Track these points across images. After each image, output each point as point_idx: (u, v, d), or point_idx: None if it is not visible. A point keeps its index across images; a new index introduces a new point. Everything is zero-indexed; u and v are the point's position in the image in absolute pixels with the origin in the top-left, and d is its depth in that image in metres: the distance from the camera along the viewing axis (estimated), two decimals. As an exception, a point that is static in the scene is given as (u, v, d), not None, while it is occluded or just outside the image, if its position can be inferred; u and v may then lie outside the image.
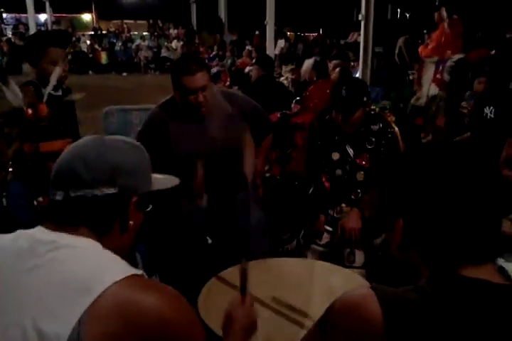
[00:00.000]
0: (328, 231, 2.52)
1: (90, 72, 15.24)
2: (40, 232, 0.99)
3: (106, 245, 0.99)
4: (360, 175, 2.50)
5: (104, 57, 15.85)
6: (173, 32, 18.69)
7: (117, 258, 0.97)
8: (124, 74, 15.04)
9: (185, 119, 2.37)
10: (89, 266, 0.92)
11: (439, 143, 1.54)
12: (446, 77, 3.58)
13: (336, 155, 2.53)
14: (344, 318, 0.83)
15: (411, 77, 5.49)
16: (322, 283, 1.95)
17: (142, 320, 0.88)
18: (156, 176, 1.12)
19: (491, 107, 2.83)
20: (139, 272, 0.95)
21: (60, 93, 2.55)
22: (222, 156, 2.39)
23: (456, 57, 3.74)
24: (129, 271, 0.93)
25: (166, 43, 17.47)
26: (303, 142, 3.76)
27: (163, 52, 16.33)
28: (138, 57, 16.46)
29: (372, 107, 2.59)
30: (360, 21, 6.80)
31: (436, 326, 0.78)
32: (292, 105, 4.47)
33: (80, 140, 1.05)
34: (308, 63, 4.79)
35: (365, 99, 2.36)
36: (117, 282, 0.89)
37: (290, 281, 1.96)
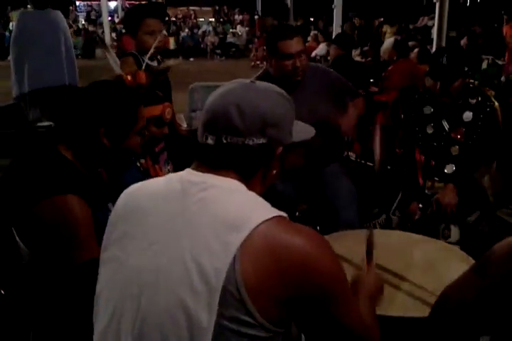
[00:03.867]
0: (419, 208, 2.47)
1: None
2: (190, 174, 1.02)
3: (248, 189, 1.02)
4: (454, 149, 2.44)
5: (171, 42, 16.15)
6: (238, 18, 18.78)
7: (262, 199, 0.99)
8: (191, 59, 15.26)
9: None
10: (238, 206, 0.95)
11: None
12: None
13: (430, 129, 2.48)
14: (508, 261, 0.80)
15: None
16: (419, 254, 1.91)
17: (289, 259, 0.89)
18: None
19: None
20: (284, 214, 0.96)
21: (155, 63, 2.63)
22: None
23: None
24: (275, 211, 0.95)
25: (231, 29, 17.60)
26: (385, 120, 3.70)
27: (229, 38, 16.45)
28: (204, 42, 16.67)
29: (471, 81, 2.51)
30: (429, 5, 6.54)
31: None
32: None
33: (230, 84, 1.06)
34: (388, 42, 4.69)
35: (466, 69, 2.29)
36: (265, 221, 0.91)
37: (387, 250, 1.94)
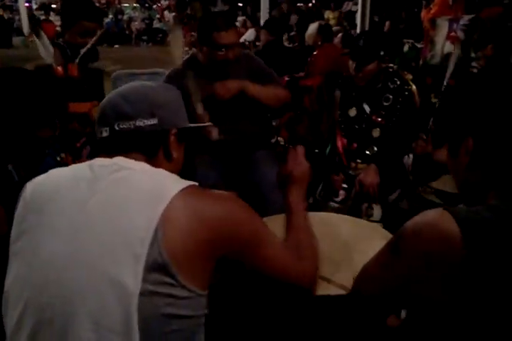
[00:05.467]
0: (344, 188, 2.55)
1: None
2: (99, 161, 1.06)
3: None
4: (376, 132, 2.53)
5: (95, 29, 15.56)
6: (164, 3, 18.35)
7: (172, 174, 1.06)
8: (116, 46, 14.78)
9: (207, 77, 2.36)
10: (152, 181, 1.01)
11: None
12: (461, 35, 3.58)
13: (352, 112, 2.56)
14: (420, 238, 0.83)
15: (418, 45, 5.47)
16: (343, 233, 1.98)
17: (210, 221, 0.97)
18: None
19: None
20: (196, 183, 1.02)
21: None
22: (242, 114, 2.40)
23: (470, 16, 3.74)
24: (187, 182, 1.01)
25: (157, 15, 17.19)
26: (311, 104, 3.77)
27: (156, 24, 16.07)
28: (129, 28, 16.18)
29: (390, 65, 2.60)
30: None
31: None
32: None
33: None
34: (313, 27, 4.74)
35: (382, 53, 2.37)
36: (181, 190, 0.97)
37: (318, 233, 1.99)
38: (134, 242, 0.91)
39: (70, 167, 1.09)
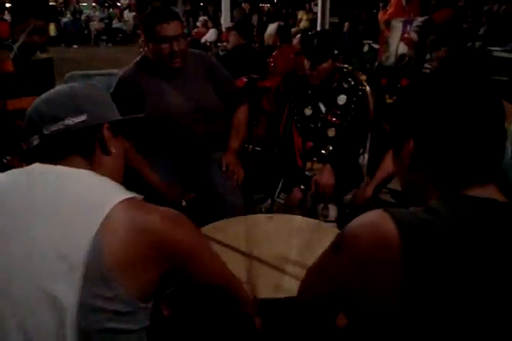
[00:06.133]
0: (300, 189, 2.56)
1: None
2: (36, 167, 1.02)
3: (98, 173, 1.04)
4: (331, 131, 2.55)
5: (52, 29, 15.19)
6: (124, 2, 18.10)
7: (112, 182, 1.02)
8: (75, 46, 14.49)
9: (159, 76, 2.32)
10: (91, 189, 0.98)
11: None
12: (414, 36, 3.65)
13: (308, 111, 2.57)
14: (360, 238, 0.83)
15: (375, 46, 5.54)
16: (299, 234, 1.98)
17: (148, 235, 0.94)
18: None
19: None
20: (140, 196, 1.00)
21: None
22: (197, 114, 2.37)
23: (423, 17, 3.82)
24: (130, 193, 0.99)
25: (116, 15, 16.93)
26: (269, 106, 3.77)
27: (115, 23, 15.82)
28: (88, 28, 15.88)
29: (345, 65, 2.62)
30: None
31: (451, 245, 0.78)
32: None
33: None
34: (271, 28, 4.75)
35: (335, 52, 2.39)
36: (122, 201, 0.94)
37: (269, 234, 1.99)
38: (70, 253, 0.88)
39: (7, 173, 1.05)
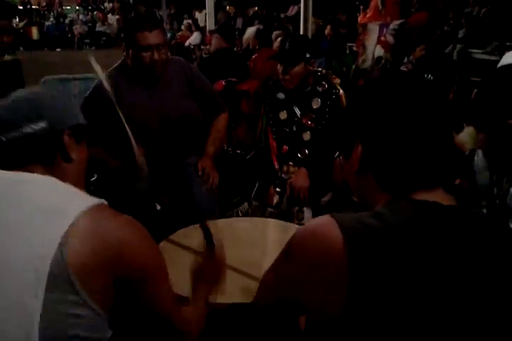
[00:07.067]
0: (277, 192, 2.57)
1: (21, 48, 14.47)
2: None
3: (60, 180, 1.02)
4: (306, 135, 2.56)
5: (35, 33, 15.08)
6: (108, 6, 18.01)
7: (75, 189, 1.01)
8: (58, 49, 14.38)
9: (138, 83, 2.29)
10: (55, 196, 0.96)
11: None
12: (391, 39, 3.68)
13: (283, 115, 2.57)
14: (305, 245, 0.83)
15: (354, 48, 5.57)
16: (275, 239, 1.99)
17: (109, 244, 0.93)
18: None
19: (429, 75, 2.95)
20: (104, 202, 0.99)
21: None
22: (174, 122, 2.35)
23: (399, 21, 3.86)
24: (94, 199, 0.98)
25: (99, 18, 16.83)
26: (248, 109, 3.77)
27: (99, 27, 15.73)
28: (72, 32, 15.78)
29: (319, 69, 2.64)
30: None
31: (394, 250, 0.78)
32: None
33: None
34: (250, 31, 4.76)
35: (307, 55, 2.40)
36: (88, 208, 0.93)
37: (243, 239, 1.99)
38: (36, 260, 0.88)
39: None
